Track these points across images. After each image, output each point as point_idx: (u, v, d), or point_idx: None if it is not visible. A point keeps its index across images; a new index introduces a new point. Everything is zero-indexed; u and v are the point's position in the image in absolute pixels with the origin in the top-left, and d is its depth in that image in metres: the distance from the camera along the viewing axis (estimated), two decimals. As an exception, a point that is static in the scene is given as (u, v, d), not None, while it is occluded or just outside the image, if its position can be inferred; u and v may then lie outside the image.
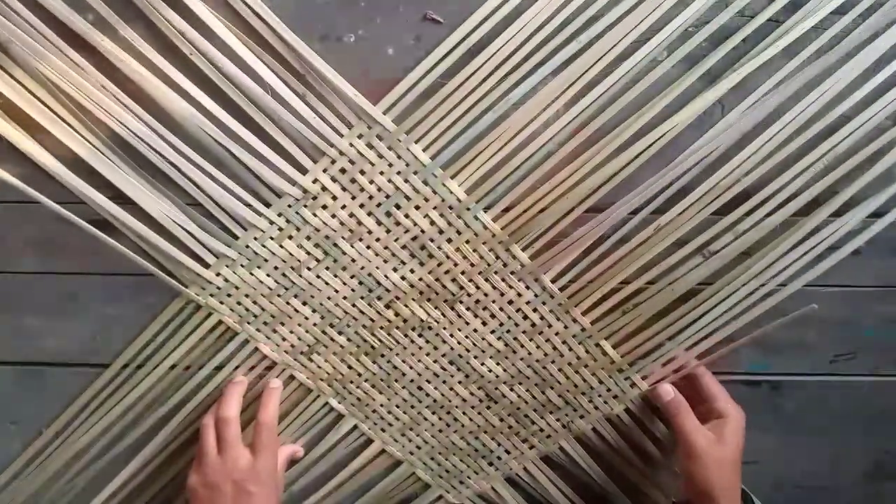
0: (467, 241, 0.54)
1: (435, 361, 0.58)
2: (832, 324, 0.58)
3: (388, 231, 0.54)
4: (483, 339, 0.57)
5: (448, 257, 0.55)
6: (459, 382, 0.59)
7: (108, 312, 0.56)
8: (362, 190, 0.53)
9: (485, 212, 0.54)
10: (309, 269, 0.55)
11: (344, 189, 0.53)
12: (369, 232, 0.54)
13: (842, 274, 0.56)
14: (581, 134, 0.52)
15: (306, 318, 0.56)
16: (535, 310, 0.56)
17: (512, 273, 0.55)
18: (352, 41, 0.50)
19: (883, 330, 0.58)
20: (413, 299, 0.56)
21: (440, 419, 0.60)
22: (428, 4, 0.49)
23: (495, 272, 0.55)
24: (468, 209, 0.53)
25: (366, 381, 0.58)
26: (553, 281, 0.56)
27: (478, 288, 0.56)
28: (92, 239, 0.51)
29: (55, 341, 0.57)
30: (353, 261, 0.55)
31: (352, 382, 0.58)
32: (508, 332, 0.57)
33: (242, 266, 0.54)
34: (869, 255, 0.56)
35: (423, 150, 0.52)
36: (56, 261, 0.55)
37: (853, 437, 0.62)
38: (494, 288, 0.56)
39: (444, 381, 0.59)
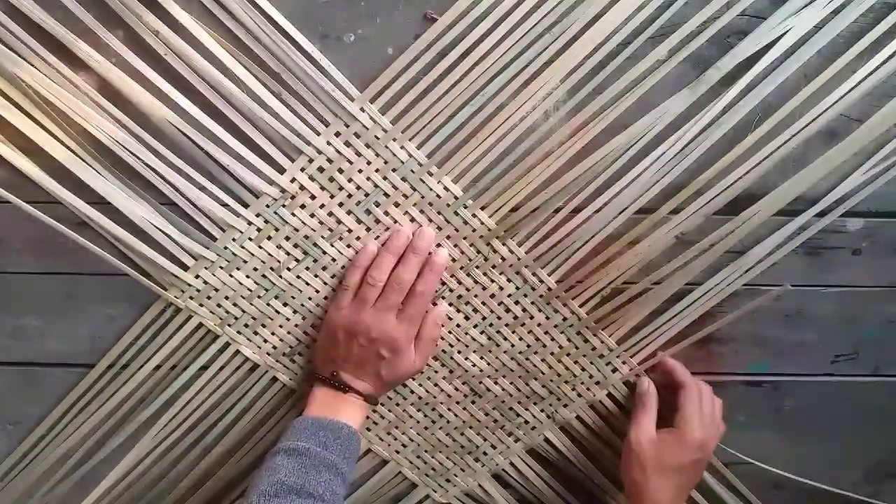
0: (448, 237, 0.54)
1: (418, 359, 0.57)
2: (832, 324, 0.57)
3: (367, 229, 0.54)
4: (466, 333, 0.57)
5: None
6: (444, 378, 0.58)
7: (107, 312, 0.57)
8: (341, 188, 0.52)
9: (465, 208, 0.53)
10: (289, 269, 0.54)
11: (322, 188, 0.52)
12: (349, 231, 0.53)
13: (842, 274, 0.56)
14: (561, 130, 0.51)
15: (287, 320, 0.56)
16: (516, 302, 0.56)
17: (493, 267, 0.55)
18: (352, 41, 0.50)
19: (883, 330, 0.57)
20: (395, 297, 0.55)
21: (425, 416, 0.60)
22: (427, 4, 0.49)
23: (476, 267, 0.55)
24: (448, 205, 0.53)
25: (349, 380, 0.58)
26: (534, 274, 0.55)
27: (460, 283, 0.55)
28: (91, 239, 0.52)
29: (55, 341, 0.58)
30: (334, 260, 0.54)
31: (335, 382, 0.58)
32: (491, 325, 0.57)
33: (221, 268, 0.54)
34: (869, 255, 0.55)
35: (401, 147, 0.52)
36: (56, 261, 0.55)
37: (853, 437, 0.61)
38: (476, 283, 0.55)
39: (428, 378, 0.58)
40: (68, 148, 0.50)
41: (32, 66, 0.48)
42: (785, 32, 0.48)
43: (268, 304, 0.55)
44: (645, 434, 0.53)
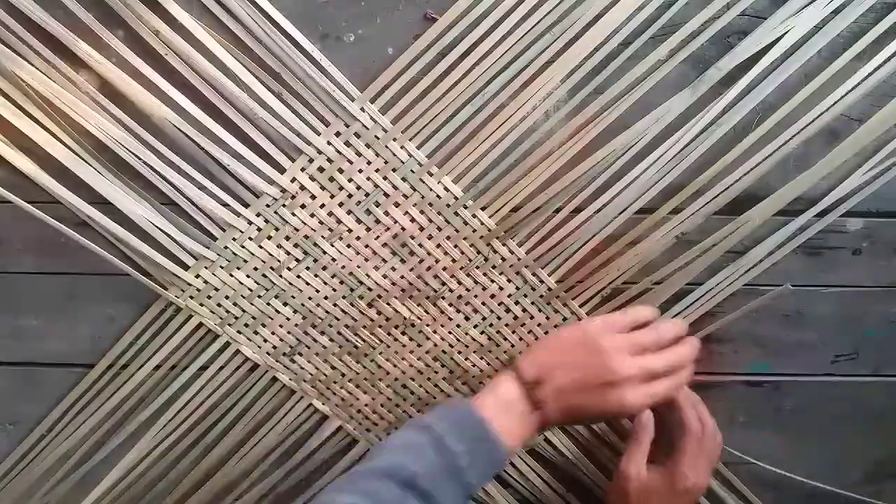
0: (448, 238, 0.54)
1: (419, 359, 0.57)
2: (832, 324, 0.57)
3: (368, 229, 0.54)
4: (466, 334, 0.57)
5: (429, 254, 0.54)
6: (444, 379, 0.58)
7: (107, 312, 0.56)
8: (341, 188, 0.52)
9: (465, 208, 0.53)
10: (289, 269, 0.54)
11: (323, 188, 0.52)
12: (349, 230, 0.53)
13: (842, 274, 0.55)
14: (562, 131, 0.51)
15: (288, 320, 0.56)
16: (516, 302, 0.56)
17: (493, 268, 0.55)
18: (352, 41, 0.50)
19: (883, 330, 0.57)
20: (395, 297, 0.55)
21: (426, 418, 0.59)
22: (427, 4, 0.49)
23: (477, 267, 0.55)
24: (448, 205, 0.53)
25: (349, 381, 0.58)
26: (534, 274, 0.55)
27: (460, 283, 0.55)
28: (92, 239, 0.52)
29: (55, 341, 0.57)
30: (334, 260, 0.54)
31: (335, 383, 0.58)
32: (491, 326, 0.56)
33: (222, 267, 0.54)
34: (869, 255, 0.55)
35: (401, 147, 0.52)
36: (56, 261, 0.55)
37: (853, 437, 0.61)
38: (476, 283, 0.55)
39: (428, 379, 0.58)
40: (68, 147, 0.50)
41: (32, 65, 0.48)
42: (785, 33, 0.49)
43: (268, 304, 0.55)
44: (634, 468, 0.50)
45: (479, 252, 0.54)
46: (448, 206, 0.53)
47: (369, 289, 0.55)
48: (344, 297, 0.55)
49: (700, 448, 0.51)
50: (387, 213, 0.53)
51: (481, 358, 0.57)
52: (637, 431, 0.52)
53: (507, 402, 0.45)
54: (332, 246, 0.54)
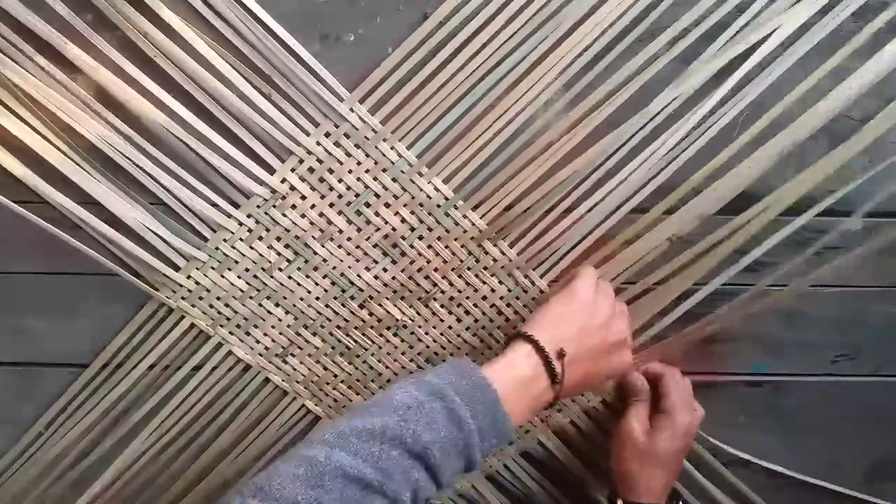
0: (439, 238, 0.54)
1: (411, 360, 0.57)
2: (832, 324, 0.57)
3: (358, 230, 0.53)
4: (458, 336, 0.56)
5: (420, 255, 0.54)
6: (436, 381, 0.58)
7: (108, 312, 0.57)
8: (331, 189, 0.52)
9: (455, 209, 0.52)
10: (280, 270, 0.54)
11: (313, 188, 0.52)
12: (340, 231, 0.53)
13: (842, 274, 0.55)
14: (553, 129, 0.51)
15: (279, 320, 0.56)
16: (508, 305, 0.55)
17: (485, 269, 0.54)
18: (352, 41, 0.50)
19: (883, 330, 0.57)
20: (387, 298, 0.55)
21: (418, 419, 0.59)
22: (428, 4, 0.49)
23: (468, 268, 0.54)
24: (438, 206, 0.53)
25: (342, 382, 0.58)
26: (526, 276, 0.55)
27: (451, 285, 0.55)
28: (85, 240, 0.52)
29: (55, 341, 0.58)
30: (325, 261, 0.54)
31: (328, 384, 0.58)
32: (483, 328, 0.56)
33: (213, 268, 0.54)
34: (869, 254, 0.54)
35: (391, 148, 0.51)
36: (56, 261, 0.55)
37: (853, 437, 0.60)
38: (468, 284, 0.55)
39: (420, 381, 0.58)
40: (59, 150, 0.50)
41: (21, 67, 0.48)
42: (773, 31, 0.48)
43: (259, 305, 0.55)
44: (642, 426, 0.53)
45: (470, 253, 0.54)
46: (438, 206, 0.53)
47: (360, 289, 0.55)
48: (335, 298, 0.55)
49: (682, 389, 0.54)
50: (377, 214, 0.53)
51: (474, 360, 0.57)
52: (639, 395, 0.55)
53: (525, 378, 0.44)
54: (323, 247, 0.54)
